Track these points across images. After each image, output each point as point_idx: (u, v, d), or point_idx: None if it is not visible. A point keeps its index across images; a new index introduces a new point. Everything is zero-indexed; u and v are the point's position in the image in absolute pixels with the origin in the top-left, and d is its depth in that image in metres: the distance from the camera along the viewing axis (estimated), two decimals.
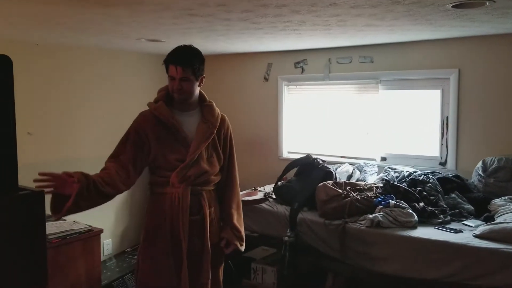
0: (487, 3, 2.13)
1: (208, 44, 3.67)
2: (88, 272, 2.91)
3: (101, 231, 3.00)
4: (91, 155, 3.87)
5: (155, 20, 2.60)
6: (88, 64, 3.94)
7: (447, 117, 3.55)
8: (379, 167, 3.76)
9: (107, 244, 4.12)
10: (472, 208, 3.03)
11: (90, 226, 2.98)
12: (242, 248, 2.37)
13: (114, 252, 4.16)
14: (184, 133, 2.19)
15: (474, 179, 3.28)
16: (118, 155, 2.15)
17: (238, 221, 2.36)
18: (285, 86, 4.38)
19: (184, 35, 3.16)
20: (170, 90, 2.19)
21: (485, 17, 2.55)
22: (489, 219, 2.82)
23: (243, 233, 2.37)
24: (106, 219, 4.04)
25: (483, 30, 3.07)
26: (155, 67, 4.53)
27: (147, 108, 2.24)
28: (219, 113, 2.33)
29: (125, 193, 4.18)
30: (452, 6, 2.21)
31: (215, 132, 2.24)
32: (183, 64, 2.12)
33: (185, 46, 2.21)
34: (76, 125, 3.88)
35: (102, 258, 3.81)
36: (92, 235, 2.92)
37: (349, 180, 3.49)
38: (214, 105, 2.33)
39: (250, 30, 2.96)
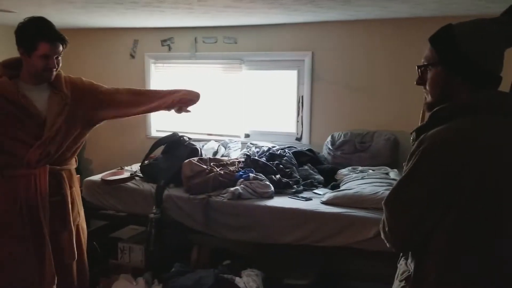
0: None
1: (65, 16, 3.47)
2: None
3: None
4: None
5: None
6: None
7: (302, 96, 3.86)
8: (242, 143, 3.96)
9: None
10: (322, 178, 3.36)
11: None
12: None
13: None
14: (36, 109, 2.05)
15: (324, 152, 3.65)
16: None
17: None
18: (152, 64, 4.34)
19: (38, 6, 2.95)
20: (39, 69, 2.03)
21: (330, 4, 2.81)
22: (335, 187, 3.17)
23: None
24: None
25: (331, 16, 3.38)
26: (3, 39, 4.15)
27: None
28: (66, 77, 2.23)
29: None
30: None
31: (69, 102, 2.14)
32: (61, 40, 2.01)
33: (44, 18, 2.05)
34: None
35: None
36: None
37: (214, 156, 3.62)
38: (61, 72, 2.20)
39: (110, 4, 2.87)
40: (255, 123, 4.08)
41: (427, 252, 1.29)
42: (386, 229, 1.34)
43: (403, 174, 1.32)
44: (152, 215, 3.17)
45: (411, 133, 1.39)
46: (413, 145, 1.33)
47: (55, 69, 2.06)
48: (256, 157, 3.43)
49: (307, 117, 3.84)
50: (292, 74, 3.90)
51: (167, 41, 4.23)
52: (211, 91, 4.16)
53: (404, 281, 1.40)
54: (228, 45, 4.03)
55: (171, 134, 3.70)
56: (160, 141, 3.67)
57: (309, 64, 3.78)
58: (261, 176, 3.17)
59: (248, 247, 3.18)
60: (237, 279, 2.85)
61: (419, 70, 1.41)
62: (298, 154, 3.55)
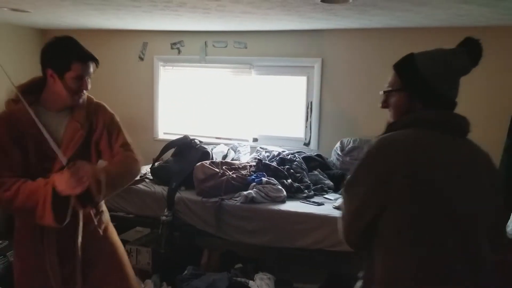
0: (350, 0, 2.42)
1: (79, 17, 3.48)
2: None
3: None
4: None
5: None
6: None
7: (311, 102, 3.90)
8: (251, 147, 3.99)
9: None
10: (331, 183, 3.40)
11: None
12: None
13: None
14: (52, 137, 1.88)
15: (333, 157, 3.69)
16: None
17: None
18: (161, 67, 4.36)
19: (54, 6, 2.96)
20: (72, 91, 1.87)
21: (346, 13, 2.87)
22: None
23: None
24: None
25: (344, 24, 3.43)
26: (18, 39, 4.17)
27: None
28: (93, 103, 2.05)
29: None
30: (321, 1, 2.46)
31: (84, 133, 1.96)
32: (93, 60, 1.89)
33: (73, 38, 1.93)
34: None
35: None
36: None
37: (224, 159, 3.65)
38: (85, 98, 2.01)
39: (127, 7, 2.90)
40: (264, 127, 4.11)
41: (372, 251, 1.39)
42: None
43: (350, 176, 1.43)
44: (164, 218, 3.19)
45: None
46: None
47: (85, 91, 1.94)
48: (267, 161, 3.46)
49: (316, 123, 3.88)
50: (301, 80, 3.94)
51: (176, 44, 4.25)
52: (220, 95, 4.19)
53: (362, 280, 1.51)
54: (238, 50, 4.07)
55: (182, 137, 3.72)
56: (171, 144, 3.69)
57: (318, 70, 3.83)
58: (273, 180, 3.20)
59: (258, 251, 3.20)
60: (251, 282, 2.87)
61: (384, 94, 1.53)
62: (307, 159, 3.58)
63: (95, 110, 2.02)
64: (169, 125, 4.42)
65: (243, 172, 3.33)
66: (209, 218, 3.11)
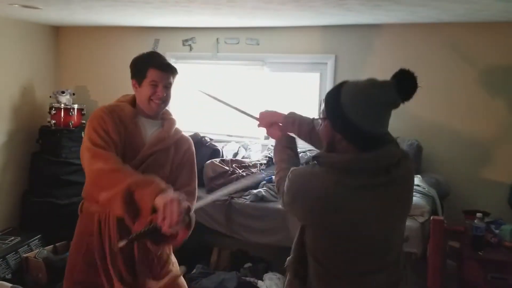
0: None
1: (91, 14, 3.47)
2: None
3: None
4: None
5: None
6: None
7: (324, 99, 3.83)
8: (262, 145, 3.94)
9: None
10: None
11: None
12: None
13: None
14: (141, 138, 1.98)
15: None
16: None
17: None
18: (172, 63, 4.32)
19: (64, 3, 2.95)
20: (146, 98, 1.96)
21: (360, 8, 2.80)
22: None
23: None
24: None
25: (358, 20, 3.36)
26: (31, 36, 4.19)
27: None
28: (180, 130, 2.16)
29: None
30: None
31: (168, 144, 2.03)
32: (171, 69, 1.98)
33: (156, 52, 2.13)
34: None
35: None
36: None
37: (235, 157, 3.61)
38: (175, 121, 2.15)
39: (138, 4, 2.87)
40: None
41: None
42: None
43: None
44: None
45: None
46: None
47: (163, 99, 1.99)
48: None
49: None
50: (315, 77, 3.88)
51: (188, 41, 4.22)
52: (232, 92, 4.15)
53: None
54: (250, 46, 4.02)
55: (192, 135, 3.68)
56: None
57: (332, 67, 3.76)
58: None
59: (268, 250, 3.16)
60: (260, 282, 2.83)
61: (316, 120, 1.59)
62: None
63: (183, 137, 2.15)
64: (180, 122, 4.33)
65: (253, 170, 3.29)
66: (218, 216, 3.08)
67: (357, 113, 1.38)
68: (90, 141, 1.88)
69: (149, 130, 2.03)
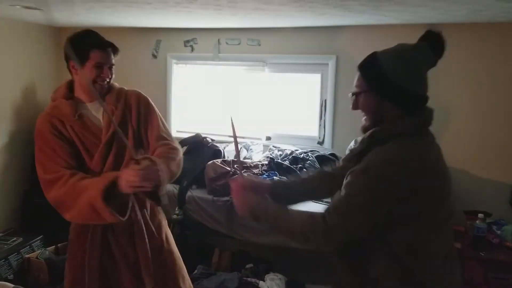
0: None
1: (92, 15, 3.48)
2: None
3: None
4: None
5: None
6: None
7: (325, 100, 3.84)
8: (264, 146, 3.94)
9: None
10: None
11: None
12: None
13: None
14: (93, 124, 1.96)
15: None
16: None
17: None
18: (174, 64, 4.34)
19: (66, 4, 2.95)
20: (92, 80, 1.90)
21: (360, 8, 2.79)
22: None
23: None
24: None
25: (358, 20, 3.36)
26: (33, 37, 4.20)
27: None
28: (120, 90, 2.09)
29: None
30: None
31: (120, 112, 2.01)
32: (112, 47, 1.94)
33: (92, 30, 2.03)
34: None
35: None
36: None
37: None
38: (115, 86, 2.09)
39: (139, 4, 2.87)
40: (277, 125, 4.06)
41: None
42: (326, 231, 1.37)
43: (353, 190, 1.39)
44: (174, 216, 3.17)
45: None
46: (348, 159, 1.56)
47: (108, 79, 1.97)
48: (280, 160, 3.41)
49: (330, 121, 3.81)
50: (316, 78, 3.88)
51: (190, 41, 4.22)
52: (233, 93, 4.16)
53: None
54: (251, 47, 4.02)
55: (194, 135, 3.70)
56: (183, 142, 3.67)
57: (333, 67, 3.76)
58: (286, 179, 3.15)
59: (270, 251, 3.16)
60: (261, 283, 2.83)
61: (353, 96, 1.52)
62: (321, 158, 3.52)
63: (128, 94, 2.07)
64: (182, 123, 4.40)
65: (255, 171, 3.29)
66: (220, 217, 3.08)
67: (404, 75, 1.39)
68: (40, 169, 1.87)
69: (97, 114, 1.99)
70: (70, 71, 1.97)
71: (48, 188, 1.85)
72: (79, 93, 1.98)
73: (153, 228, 2.06)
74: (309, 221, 1.41)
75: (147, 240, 2.00)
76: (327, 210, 1.40)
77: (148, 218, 2.05)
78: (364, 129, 1.50)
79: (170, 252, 2.13)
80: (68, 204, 1.81)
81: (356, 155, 1.47)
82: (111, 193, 1.74)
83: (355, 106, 1.52)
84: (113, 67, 1.98)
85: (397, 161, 1.34)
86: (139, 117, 2.05)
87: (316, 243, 1.40)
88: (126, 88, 2.12)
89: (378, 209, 1.33)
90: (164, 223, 2.19)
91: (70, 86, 2.01)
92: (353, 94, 1.52)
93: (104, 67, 1.92)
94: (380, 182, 1.33)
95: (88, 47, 1.88)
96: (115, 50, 1.97)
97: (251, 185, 1.67)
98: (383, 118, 1.44)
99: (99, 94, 1.94)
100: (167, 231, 2.18)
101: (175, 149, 2.04)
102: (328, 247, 1.44)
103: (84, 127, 1.92)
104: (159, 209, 2.16)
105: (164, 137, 2.05)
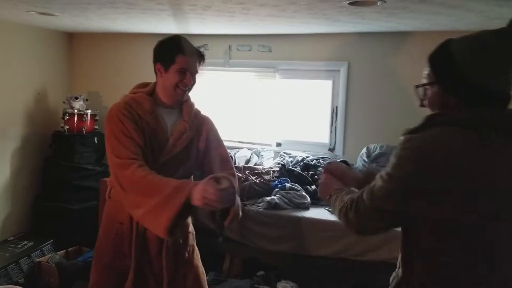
0: (379, 3, 2.35)
1: (105, 21, 3.50)
2: None
3: None
4: None
5: None
6: None
7: (336, 107, 3.83)
8: (274, 152, 3.94)
9: None
10: (357, 190, 3.31)
11: None
12: None
13: None
14: (164, 131, 1.98)
15: (359, 164, 3.60)
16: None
17: None
18: None
19: (81, 10, 2.98)
20: (172, 85, 1.93)
21: (374, 16, 2.80)
22: None
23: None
24: None
25: (371, 27, 3.36)
26: (46, 42, 4.23)
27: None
28: (200, 113, 2.14)
29: (7, 177, 3.88)
30: (349, 3, 2.40)
31: (191, 135, 2.04)
32: (198, 55, 1.95)
33: (182, 36, 2.02)
34: None
35: None
36: None
37: (247, 164, 3.61)
38: (193, 104, 2.13)
39: (153, 11, 2.89)
40: (287, 132, 4.06)
41: (414, 255, 1.28)
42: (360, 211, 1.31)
43: (388, 170, 1.28)
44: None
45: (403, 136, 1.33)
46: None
47: (189, 87, 1.98)
48: (291, 167, 3.40)
49: (341, 128, 3.80)
50: (327, 84, 3.87)
51: (200, 47, 4.23)
52: (244, 99, 4.16)
53: None
54: (262, 53, 4.03)
55: None
56: None
57: (344, 74, 3.76)
58: (297, 186, 3.14)
59: (281, 258, 3.15)
60: None
61: (419, 89, 1.35)
62: None
63: (202, 119, 2.13)
64: None
65: (266, 177, 3.28)
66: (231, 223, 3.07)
67: (479, 69, 1.20)
68: (111, 152, 1.86)
69: (169, 121, 2.01)
70: (155, 73, 2.02)
71: (121, 171, 1.82)
72: (160, 95, 2.01)
73: (181, 240, 2.06)
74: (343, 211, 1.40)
75: (172, 251, 1.99)
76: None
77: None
78: None
79: (194, 266, 2.13)
80: (141, 198, 1.77)
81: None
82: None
83: (421, 103, 1.36)
84: (197, 74, 2.01)
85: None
86: (208, 144, 2.10)
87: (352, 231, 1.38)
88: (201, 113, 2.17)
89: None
90: (191, 236, 2.18)
91: (154, 87, 2.05)
92: (417, 86, 1.36)
93: (187, 72, 1.93)
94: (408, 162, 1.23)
95: (174, 51, 1.91)
96: (201, 57, 1.99)
97: (341, 172, 1.65)
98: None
99: (178, 100, 2.01)
100: (194, 245, 2.17)
101: (236, 177, 2.08)
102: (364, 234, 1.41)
103: (155, 129, 1.95)
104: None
105: (228, 160, 2.15)
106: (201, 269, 2.18)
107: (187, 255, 2.09)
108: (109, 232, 2.01)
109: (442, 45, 1.29)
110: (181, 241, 2.06)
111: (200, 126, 2.10)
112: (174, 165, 1.97)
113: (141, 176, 1.75)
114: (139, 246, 1.94)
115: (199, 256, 2.19)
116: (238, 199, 1.82)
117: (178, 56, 1.91)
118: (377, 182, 1.30)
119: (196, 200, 1.68)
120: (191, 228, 2.18)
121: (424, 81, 1.33)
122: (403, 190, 1.23)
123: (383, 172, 1.30)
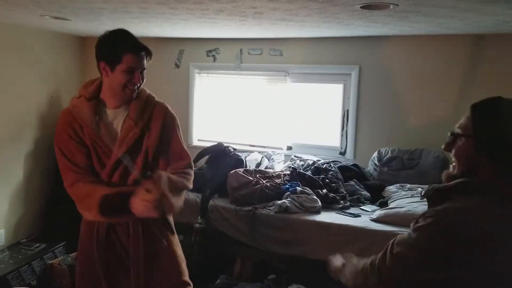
0: (391, 6, 2.35)
1: (118, 26, 3.51)
2: None
3: None
4: None
5: None
6: None
7: (347, 110, 3.82)
8: (285, 155, 3.94)
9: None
10: (368, 194, 3.31)
11: None
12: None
13: (7, 244, 3.85)
14: (110, 136, 1.90)
15: (370, 167, 3.59)
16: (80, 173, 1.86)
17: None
18: (196, 74, 4.38)
19: (94, 14, 3.01)
20: (120, 85, 1.82)
21: (386, 19, 2.79)
22: (383, 204, 3.11)
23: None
24: None
25: (382, 31, 3.35)
26: (60, 47, 4.28)
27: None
28: (153, 100, 1.99)
29: (20, 180, 3.92)
30: (361, 7, 2.39)
31: (138, 132, 1.90)
32: (146, 51, 1.83)
33: (126, 30, 1.88)
34: None
35: None
36: None
37: (258, 167, 3.61)
38: (145, 92, 1.98)
39: (166, 15, 2.91)
40: (298, 135, 4.05)
41: None
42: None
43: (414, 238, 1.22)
44: (197, 225, 3.18)
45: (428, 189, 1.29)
46: (422, 198, 1.27)
47: (138, 85, 1.87)
48: (302, 171, 3.40)
49: (352, 132, 3.79)
50: (338, 88, 3.87)
51: (212, 51, 4.26)
52: (255, 103, 4.17)
53: None
54: (273, 57, 4.03)
55: (216, 144, 3.71)
56: (205, 151, 3.69)
57: (355, 78, 3.75)
58: (308, 190, 3.14)
59: (292, 262, 3.13)
60: None
61: (451, 136, 1.29)
62: (343, 169, 3.50)
63: (154, 109, 1.96)
64: (204, 132, 4.42)
65: (277, 180, 3.28)
66: (242, 226, 3.08)
67: None
68: (62, 173, 1.91)
69: (117, 122, 1.91)
70: (100, 72, 1.87)
71: (68, 189, 1.93)
72: (105, 95, 1.90)
73: (155, 231, 2.01)
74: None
75: (141, 241, 1.96)
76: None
77: (148, 221, 1.96)
78: (449, 178, 1.27)
79: (172, 255, 2.07)
80: (85, 204, 1.87)
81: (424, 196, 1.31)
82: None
83: (448, 148, 1.29)
84: (145, 71, 1.89)
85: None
86: (161, 135, 1.95)
87: None
88: (155, 98, 2.03)
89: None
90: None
91: (99, 86, 1.92)
92: (452, 134, 1.29)
93: (136, 71, 1.82)
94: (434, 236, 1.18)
95: (121, 50, 1.78)
96: (148, 53, 1.87)
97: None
98: (475, 172, 1.21)
99: (127, 100, 1.90)
100: (170, 235, 2.09)
101: (188, 175, 1.98)
102: None
103: (98, 136, 1.86)
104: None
105: (181, 157, 2.01)
106: (182, 257, 2.14)
107: (162, 245, 2.03)
108: (88, 227, 2.03)
109: (492, 99, 1.22)
110: (154, 232, 2.02)
111: (154, 117, 1.95)
112: (125, 166, 1.87)
113: (84, 192, 1.85)
114: (103, 242, 1.97)
115: (178, 246, 2.14)
116: (175, 199, 1.77)
117: (125, 55, 1.77)
118: (402, 248, 1.25)
119: (133, 210, 1.73)
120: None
121: (459, 130, 1.26)
122: (426, 261, 1.19)
123: (409, 239, 1.23)
